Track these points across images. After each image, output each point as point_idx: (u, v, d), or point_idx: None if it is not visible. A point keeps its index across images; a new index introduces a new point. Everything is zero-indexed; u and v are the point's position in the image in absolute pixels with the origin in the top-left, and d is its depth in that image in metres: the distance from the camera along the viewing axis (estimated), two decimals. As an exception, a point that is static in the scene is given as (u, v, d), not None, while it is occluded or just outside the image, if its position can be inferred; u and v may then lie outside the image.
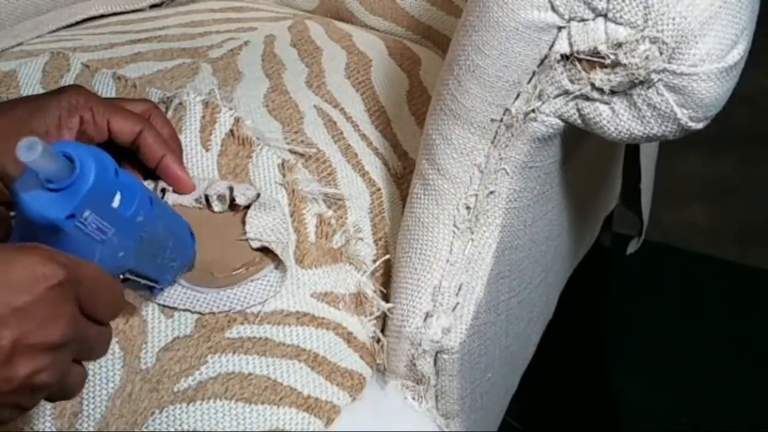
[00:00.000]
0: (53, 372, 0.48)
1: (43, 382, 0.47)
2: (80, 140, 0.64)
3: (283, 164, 0.71)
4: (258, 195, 0.68)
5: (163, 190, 0.68)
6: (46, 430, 0.59)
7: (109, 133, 0.65)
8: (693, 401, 1.27)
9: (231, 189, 0.67)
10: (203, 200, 0.68)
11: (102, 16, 0.95)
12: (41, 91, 0.78)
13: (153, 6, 0.99)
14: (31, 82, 0.79)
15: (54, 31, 0.91)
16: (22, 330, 0.46)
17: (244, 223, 0.66)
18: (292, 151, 0.73)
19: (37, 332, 0.46)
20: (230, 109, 0.73)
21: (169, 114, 0.74)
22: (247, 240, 0.66)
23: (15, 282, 0.46)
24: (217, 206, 0.68)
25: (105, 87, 0.78)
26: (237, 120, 0.72)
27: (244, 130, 0.72)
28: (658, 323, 1.38)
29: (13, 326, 0.46)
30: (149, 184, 0.68)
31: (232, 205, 0.68)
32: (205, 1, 1.01)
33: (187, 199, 0.68)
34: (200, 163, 0.71)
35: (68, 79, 0.79)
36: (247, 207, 0.67)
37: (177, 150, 0.68)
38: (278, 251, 0.65)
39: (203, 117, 0.73)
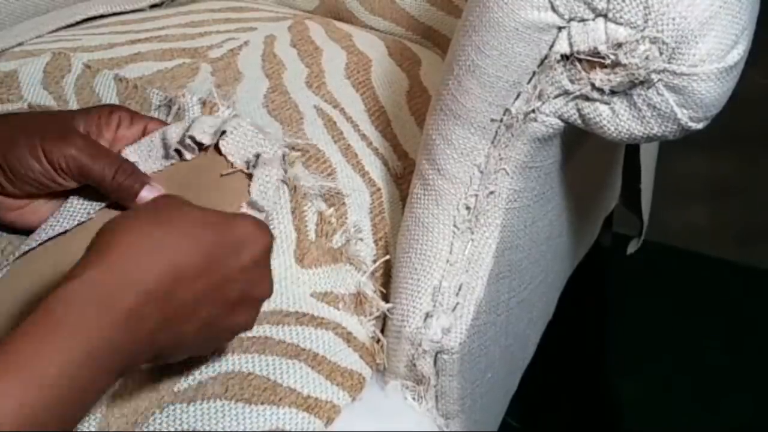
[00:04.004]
0: (255, 319, 0.58)
1: (246, 329, 0.58)
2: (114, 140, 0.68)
3: (284, 157, 0.70)
4: (222, 131, 0.66)
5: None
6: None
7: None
8: (693, 401, 1.27)
9: (192, 137, 0.66)
10: (174, 154, 0.67)
11: (102, 16, 0.95)
12: (42, 91, 0.78)
13: (153, 6, 0.99)
14: (32, 82, 0.79)
15: (54, 31, 0.91)
16: (246, 285, 0.55)
17: (222, 155, 0.66)
18: (291, 147, 0.73)
19: (256, 287, 0.56)
20: (228, 107, 0.73)
21: (170, 117, 0.74)
22: (233, 173, 0.66)
23: (239, 244, 0.54)
24: (188, 155, 0.67)
25: (106, 88, 0.78)
26: (234, 117, 0.72)
27: None
28: (658, 323, 1.38)
29: (241, 282, 0.54)
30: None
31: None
32: (205, 1, 1.01)
33: (155, 164, 0.67)
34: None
35: (69, 80, 0.79)
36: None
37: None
38: (270, 153, 0.65)
39: None
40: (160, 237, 0.51)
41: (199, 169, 0.67)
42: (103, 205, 0.66)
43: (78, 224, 0.65)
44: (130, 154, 0.67)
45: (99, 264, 0.49)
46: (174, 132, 0.67)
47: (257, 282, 0.56)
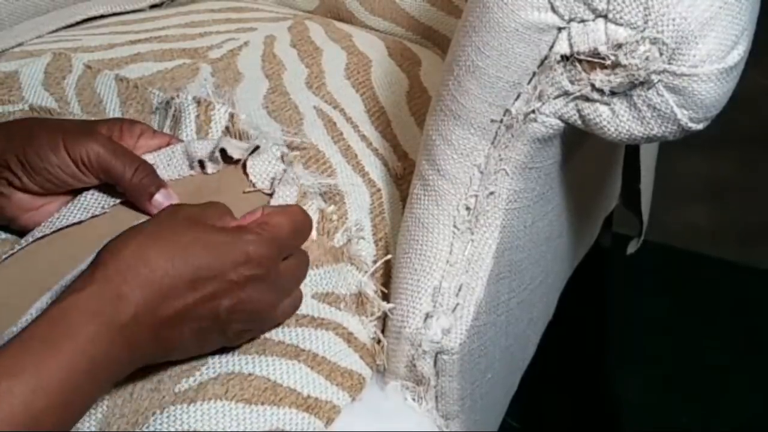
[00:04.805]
0: (259, 328, 0.62)
1: (253, 336, 0.62)
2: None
3: (282, 157, 0.71)
4: (257, 147, 0.68)
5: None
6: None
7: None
8: (693, 401, 1.27)
9: (222, 150, 0.68)
10: (197, 165, 0.69)
11: (102, 17, 0.95)
12: (43, 92, 0.78)
13: (153, 6, 0.99)
14: (33, 83, 0.79)
15: (54, 32, 0.91)
16: (238, 300, 0.56)
17: (246, 175, 0.68)
18: (289, 146, 0.73)
19: (250, 303, 0.57)
20: (224, 104, 0.73)
21: (169, 117, 0.74)
22: (253, 191, 0.68)
23: (233, 263, 0.55)
24: (211, 168, 0.69)
25: (107, 89, 0.78)
26: (232, 116, 0.73)
27: (240, 125, 0.72)
28: (658, 323, 1.38)
29: (231, 298, 0.56)
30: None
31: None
32: (205, 1, 1.01)
33: (174, 172, 0.68)
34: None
35: (70, 81, 0.79)
36: (239, 159, 0.68)
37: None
38: (292, 189, 0.67)
39: (198, 116, 0.73)
40: (154, 256, 0.54)
41: (220, 183, 0.69)
42: (118, 201, 0.67)
43: (91, 217, 0.66)
44: (150, 159, 0.68)
45: (97, 279, 0.52)
46: (200, 144, 0.69)
47: (253, 299, 0.58)
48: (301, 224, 0.61)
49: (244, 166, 0.69)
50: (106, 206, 0.66)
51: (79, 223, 0.66)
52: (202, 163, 0.69)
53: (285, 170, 0.68)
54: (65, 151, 0.63)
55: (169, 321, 0.55)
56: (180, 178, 0.69)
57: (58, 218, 0.66)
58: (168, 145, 0.70)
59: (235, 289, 0.56)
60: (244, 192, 0.68)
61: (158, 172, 0.68)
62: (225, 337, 0.59)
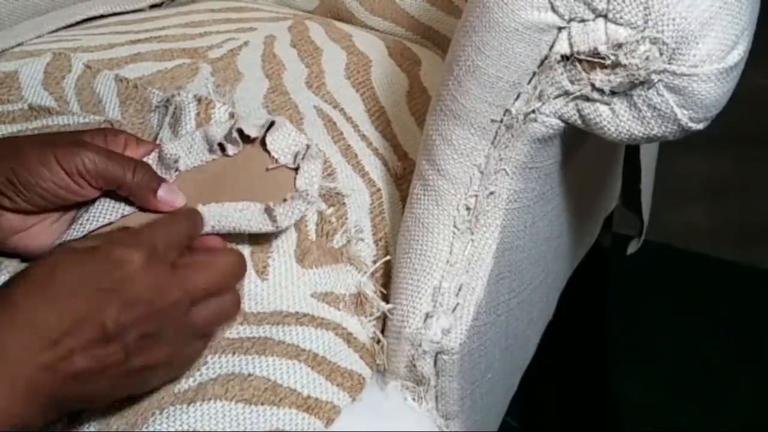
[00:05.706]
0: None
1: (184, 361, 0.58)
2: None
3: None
4: (272, 122, 0.68)
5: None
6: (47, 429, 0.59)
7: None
8: (693, 401, 1.27)
9: (239, 130, 0.67)
10: (217, 148, 0.68)
11: (102, 16, 0.95)
12: (43, 92, 0.78)
13: (153, 6, 0.99)
14: (32, 83, 0.79)
15: (54, 31, 0.91)
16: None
17: (267, 152, 0.67)
18: None
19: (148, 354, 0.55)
20: (224, 104, 0.73)
21: (169, 114, 0.74)
22: (277, 167, 0.67)
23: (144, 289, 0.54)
24: (231, 149, 0.68)
25: (107, 88, 0.78)
26: (231, 115, 0.73)
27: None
28: (658, 323, 1.39)
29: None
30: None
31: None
32: (205, 1, 1.01)
33: (196, 158, 0.68)
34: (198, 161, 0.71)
35: (70, 81, 0.79)
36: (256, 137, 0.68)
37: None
38: (314, 154, 0.67)
39: (198, 114, 0.73)
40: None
41: (243, 163, 0.68)
42: (120, 214, 0.66)
43: (96, 228, 0.65)
44: (171, 149, 0.67)
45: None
46: (218, 128, 0.68)
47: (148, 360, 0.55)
48: (227, 274, 0.59)
49: (263, 144, 0.68)
50: (112, 217, 0.66)
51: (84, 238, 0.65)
52: (222, 147, 0.68)
53: (308, 145, 0.68)
54: (58, 165, 0.62)
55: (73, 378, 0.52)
56: (203, 163, 0.68)
57: (69, 233, 0.65)
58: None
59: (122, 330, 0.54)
60: (268, 169, 0.67)
61: (180, 161, 0.67)
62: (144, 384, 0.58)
